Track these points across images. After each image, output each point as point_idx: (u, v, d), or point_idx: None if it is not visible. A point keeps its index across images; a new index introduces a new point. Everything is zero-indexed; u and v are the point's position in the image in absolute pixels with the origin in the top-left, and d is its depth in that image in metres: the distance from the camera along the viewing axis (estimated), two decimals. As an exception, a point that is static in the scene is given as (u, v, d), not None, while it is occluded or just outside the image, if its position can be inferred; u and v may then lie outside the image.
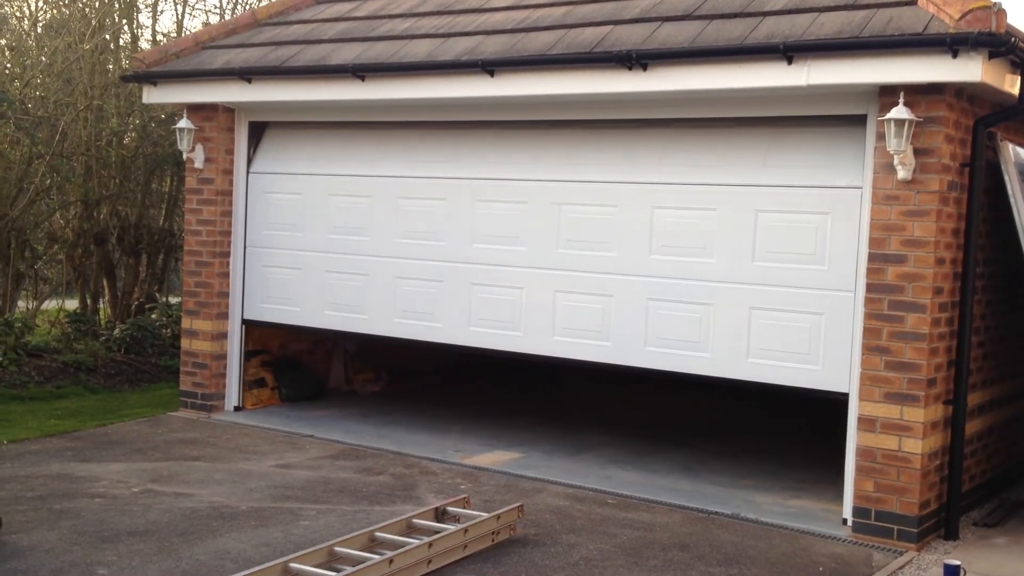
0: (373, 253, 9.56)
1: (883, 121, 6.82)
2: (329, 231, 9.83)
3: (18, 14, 15.16)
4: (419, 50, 8.77)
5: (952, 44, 6.43)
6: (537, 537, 6.82)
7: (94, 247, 14.18)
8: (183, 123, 10.18)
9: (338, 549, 5.96)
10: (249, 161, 10.34)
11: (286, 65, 9.36)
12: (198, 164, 10.30)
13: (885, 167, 6.99)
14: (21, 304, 14.51)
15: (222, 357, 10.39)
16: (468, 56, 8.33)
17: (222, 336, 10.38)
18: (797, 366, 7.47)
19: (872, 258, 7.07)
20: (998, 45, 6.41)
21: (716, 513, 7.58)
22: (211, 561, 6.13)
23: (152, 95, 10.36)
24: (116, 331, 13.05)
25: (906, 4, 7.01)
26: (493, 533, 6.58)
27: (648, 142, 8.21)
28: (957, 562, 6.28)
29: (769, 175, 7.61)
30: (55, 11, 15.32)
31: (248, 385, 10.60)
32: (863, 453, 7.14)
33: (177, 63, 10.21)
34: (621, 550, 6.65)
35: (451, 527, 6.41)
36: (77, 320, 13.47)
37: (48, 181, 13.55)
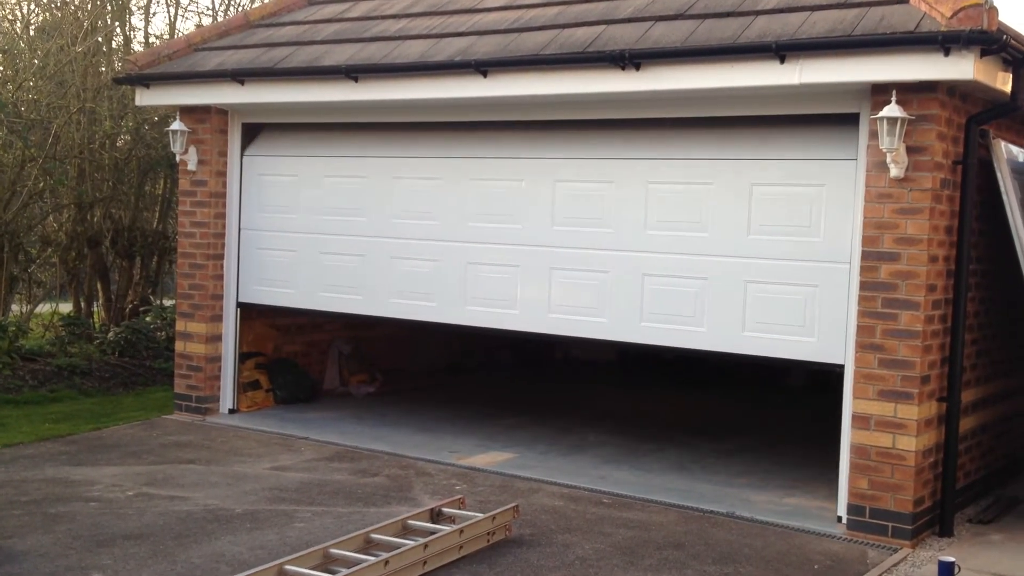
0: (368, 233, 9.55)
1: (876, 119, 6.83)
2: (324, 212, 9.81)
3: (10, 17, 15.14)
4: (412, 51, 8.77)
5: (944, 42, 6.45)
6: (532, 537, 6.82)
7: (88, 250, 14.16)
8: (176, 125, 10.17)
9: (333, 551, 5.96)
10: (243, 149, 10.33)
11: (279, 66, 9.35)
12: (191, 166, 10.28)
13: (878, 165, 6.99)
14: (15, 308, 14.49)
15: (216, 360, 10.38)
16: (461, 57, 8.33)
17: (216, 339, 10.37)
18: (792, 338, 7.47)
19: (865, 256, 7.08)
20: (990, 43, 6.43)
21: (711, 512, 7.59)
22: (206, 564, 6.13)
23: (145, 97, 10.35)
24: (110, 334, 13.03)
25: (898, 2, 7.02)
26: (489, 534, 6.58)
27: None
28: (952, 559, 6.28)
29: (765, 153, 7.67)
30: (47, 14, 15.29)
31: (242, 387, 10.58)
32: (857, 451, 7.15)
33: (170, 65, 10.20)
34: (616, 549, 6.65)
35: (447, 528, 6.41)
36: (71, 323, 13.45)
37: (41, 184, 13.52)
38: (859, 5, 7.14)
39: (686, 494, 8.00)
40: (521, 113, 8.64)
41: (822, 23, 7.07)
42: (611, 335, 8.28)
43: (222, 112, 10.25)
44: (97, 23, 14.03)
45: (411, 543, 6.07)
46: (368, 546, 6.20)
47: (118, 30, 14.90)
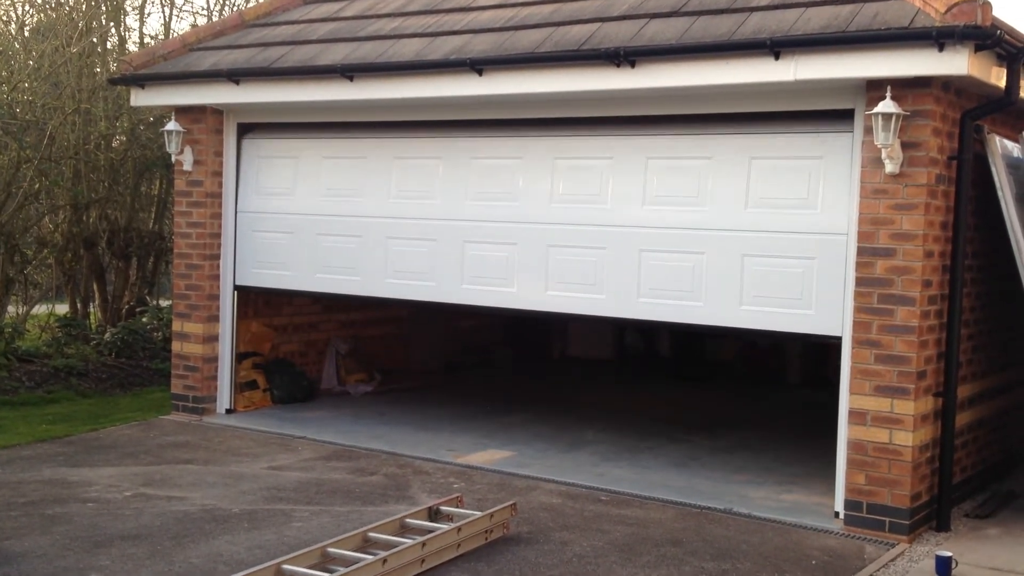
0: (365, 214, 9.54)
1: (870, 115, 6.83)
2: (321, 194, 9.82)
3: (4, 18, 15.11)
4: (407, 50, 8.77)
5: (938, 37, 6.45)
6: (530, 535, 6.82)
7: (84, 251, 14.15)
8: (171, 125, 10.16)
9: (331, 550, 5.96)
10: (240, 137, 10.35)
11: (274, 66, 9.35)
12: (187, 167, 10.28)
13: (873, 161, 7.00)
14: (11, 309, 14.47)
15: (213, 360, 10.38)
16: (456, 55, 8.33)
17: (213, 339, 10.37)
18: (790, 311, 7.47)
19: (861, 252, 7.09)
20: (984, 38, 6.44)
21: (709, 508, 7.60)
22: (204, 564, 6.13)
23: (140, 98, 10.34)
24: (107, 335, 13.02)
25: (892, -2, 7.03)
26: (486, 532, 6.58)
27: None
28: (949, 553, 6.31)
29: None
30: (42, 15, 15.27)
31: (240, 387, 10.58)
32: (854, 446, 7.16)
33: (165, 65, 10.19)
34: (614, 547, 6.65)
35: (444, 526, 6.41)
36: (68, 324, 13.45)
37: (37, 185, 13.51)
38: (853, 1, 7.14)
39: (684, 491, 8.01)
40: (517, 111, 8.64)
41: (817, 19, 7.08)
42: (609, 311, 8.28)
43: (217, 112, 10.24)
44: (92, 24, 14.02)
45: (409, 542, 6.07)
46: (366, 545, 6.20)
47: (113, 31, 14.90)
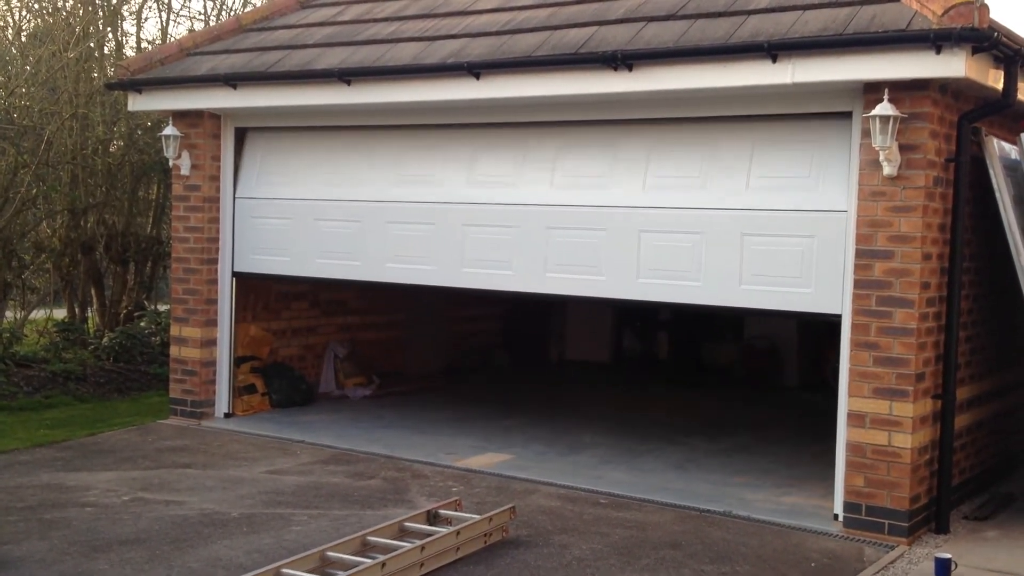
0: (364, 198, 9.55)
1: (868, 118, 6.84)
2: (320, 180, 9.84)
3: (1, 23, 15.11)
4: (405, 54, 8.77)
5: (936, 40, 6.46)
6: (529, 538, 6.82)
7: (81, 256, 14.14)
8: (169, 130, 10.15)
9: (330, 554, 5.96)
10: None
11: (271, 70, 9.35)
12: (184, 171, 10.27)
13: (871, 164, 7.01)
14: (9, 314, 14.46)
15: (211, 364, 10.36)
16: (454, 59, 8.34)
17: (211, 343, 10.36)
18: (789, 290, 7.47)
19: (859, 254, 7.09)
20: (981, 40, 6.44)
21: (708, 511, 7.59)
22: (203, 569, 6.12)
23: (137, 102, 10.34)
24: (105, 340, 13.01)
25: (889, 1, 7.03)
26: (485, 535, 6.58)
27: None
28: (948, 555, 6.30)
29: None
30: (39, 20, 15.26)
31: (238, 391, 10.57)
32: (853, 448, 7.16)
33: (162, 70, 10.19)
34: (613, 549, 6.65)
35: (443, 530, 6.40)
36: (65, 329, 13.43)
37: (34, 190, 13.49)
38: (851, 4, 7.15)
39: (683, 494, 8.00)
40: (514, 115, 8.64)
41: (814, 22, 7.08)
42: (608, 292, 8.28)
43: (215, 117, 10.24)
44: (89, 29, 14.01)
45: (408, 545, 6.07)
46: (365, 548, 6.19)
47: (110, 36, 14.89)
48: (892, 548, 6.89)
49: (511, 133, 8.82)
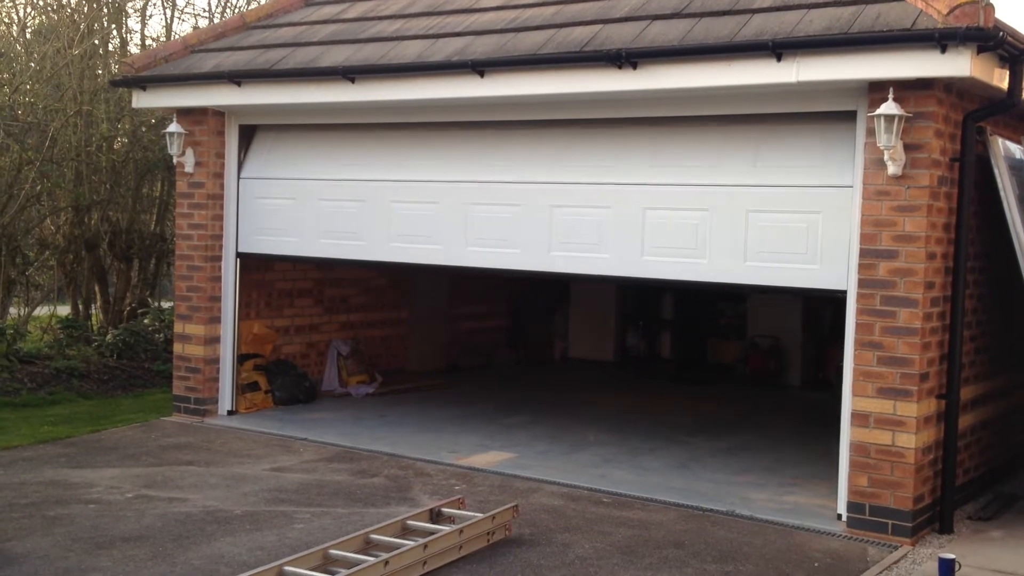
0: (368, 177, 9.55)
1: (873, 117, 6.83)
2: (324, 164, 9.86)
3: (6, 20, 15.11)
4: (409, 51, 8.77)
5: (941, 39, 6.45)
6: (532, 537, 6.81)
7: (85, 253, 14.15)
8: (173, 127, 10.16)
9: (333, 552, 5.96)
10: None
11: (275, 68, 9.35)
12: (188, 168, 10.28)
13: (875, 163, 6.99)
14: (13, 311, 14.48)
15: (215, 361, 10.37)
16: (458, 57, 8.33)
17: (215, 340, 10.36)
18: (795, 266, 7.45)
19: (863, 254, 7.08)
20: (986, 39, 6.43)
21: (711, 510, 7.59)
22: (206, 566, 6.12)
23: (142, 99, 10.34)
24: (108, 337, 13.02)
25: (894, 0, 7.02)
26: (488, 533, 6.58)
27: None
28: (952, 556, 6.29)
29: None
30: (44, 17, 15.27)
31: (241, 389, 10.58)
32: (857, 448, 7.15)
33: (166, 67, 10.20)
34: (616, 549, 6.65)
35: (446, 528, 6.40)
36: (69, 326, 13.44)
37: (38, 187, 13.50)
38: (855, 3, 7.13)
39: (686, 493, 8.00)
40: (519, 113, 8.64)
41: (819, 21, 7.07)
42: (613, 271, 8.27)
43: (219, 114, 10.24)
44: (93, 26, 14.02)
45: (411, 543, 6.06)
46: (368, 547, 6.19)
47: (114, 33, 14.89)
48: (896, 548, 6.88)
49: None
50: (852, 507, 7.20)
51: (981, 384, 8.13)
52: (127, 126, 14.18)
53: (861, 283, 7.10)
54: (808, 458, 9.17)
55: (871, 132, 6.93)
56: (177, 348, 10.51)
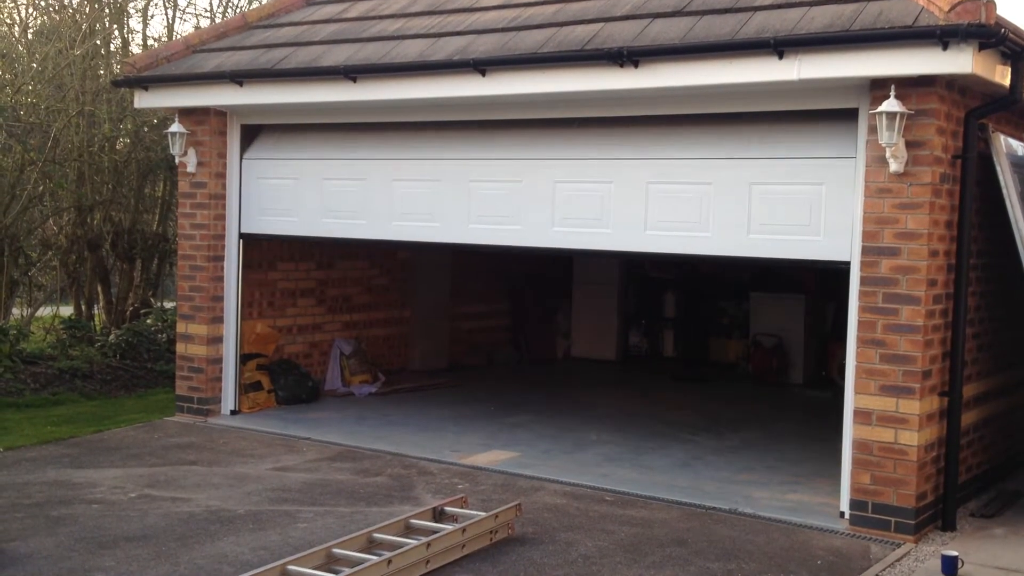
0: (369, 156, 9.54)
1: (875, 114, 6.82)
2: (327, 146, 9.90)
3: (8, 21, 15.13)
4: (410, 50, 8.77)
5: (942, 36, 6.44)
6: (535, 535, 6.82)
7: (88, 253, 14.17)
8: (175, 127, 10.16)
9: (336, 551, 5.96)
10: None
11: (277, 67, 9.35)
12: (191, 168, 10.28)
13: (877, 160, 6.99)
14: (16, 311, 14.49)
15: (218, 361, 10.38)
16: (459, 56, 8.33)
17: (217, 340, 10.37)
18: (798, 238, 7.45)
19: (866, 251, 7.08)
20: (988, 36, 6.42)
21: (714, 508, 7.58)
22: (209, 565, 6.13)
23: (144, 100, 10.35)
24: (111, 337, 13.03)
25: (895, -3, 7.02)
26: (491, 532, 6.58)
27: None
28: (955, 553, 6.30)
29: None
30: (45, 17, 15.30)
31: (244, 388, 10.59)
32: (859, 446, 7.15)
33: (168, 67, 10.20)
34: (619, 547, 6.65)
35: (449, 527, 6.40)
36: (72, 326, 13.45)
37: (41, 187, 13.52)
38: (857, 0, 7.13)
39: (688, 491, 8.00)
40: (520, 111, 8.64)
41: (820, 18, 7.07)
42: (615, 245, 8.27)
43: (221, 114, 10.25)
44: (95, 26, 14.03)
45: (414, 542, 6.07)
46: (371, 546, 6.20)
47: (116, 33, 14.90)
48: (898, 546, 6.88)
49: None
50: (855, 505, 7.20)
51: (983, 381, 8.12)
52: (129, 126, 14.19)
53: (863, 280, 7.09)
54: (811, 456, 9.17)
55: (873, 130, 6.93)
56: (180, 348, 10.51)
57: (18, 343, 12.13)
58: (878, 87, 6.90)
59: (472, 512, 6.72)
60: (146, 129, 14.19)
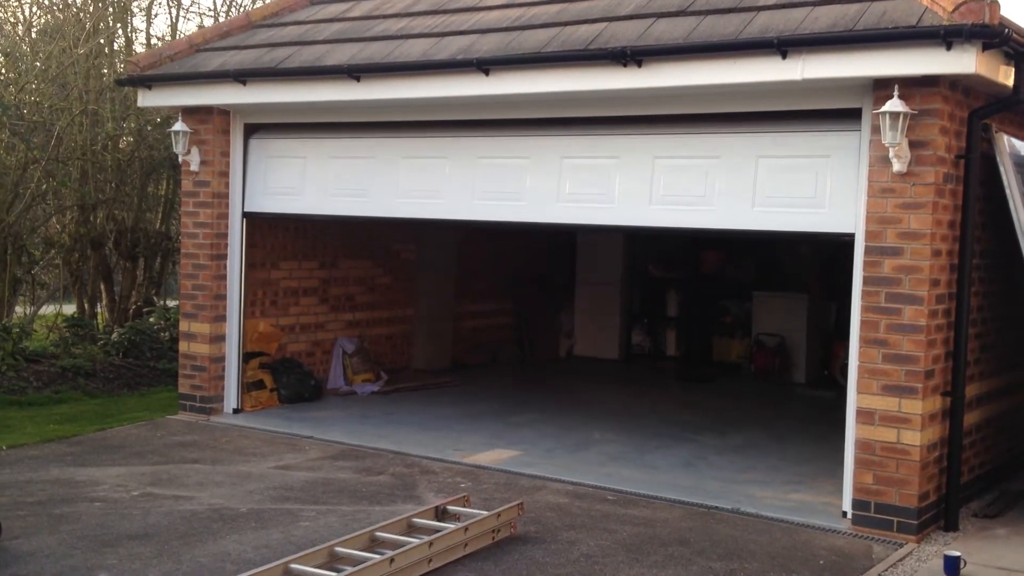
0: (374, 133, 9.54)
1: (878, 114, 6.82)
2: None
3: (12, 19, 15.16)
4: (414, 50, 8.77)
5: (946, 36, 6.44)
6: (538, 534, 6.82)
7: (91, 251, 14.18)
8: (178, 126, 10.17)
9: (338, 549, 5.97)
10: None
11: (281, 67, 9.36)
12: (194, 167, 10.29)
13: (880, 160, 6.99)
14: (19, 309, 14.51)
15: (220, 360, 10.39)
16: (463, 55, 8.33)
17: (220, 339, 10.37)
18: (803, 211, 7.44)
19: (868, 251, 7.08)
20: (992, 37, 6.42)
21: (716, 508, 7.59)
22: (211, 564, 6.13)
23: (147, 98, 10.36)
24: (114, 335, 13.05)
25: (899, -3, 7.02)
26: (494, 531, 6.58)
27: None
28: (957, 553, 6.30)
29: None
30: (49, 16, 15.31)
31: (247, 387, 10.59)
32: (862, 446, 7.15)
33: (171, 66, 10.21)
34: (621, 546, 6.65)
35: (451, 526, 6.41)
36: (75, 325, 13.47)
37: (44, 186, 13.54)
38: (861, 0, 7.13)
39: (691, 490, 8.00)
40: (524, 111, 8.64)
41: (824, 18, 7.07)
42: (620, 220, 8.28)
43: (224, 113, 10.25)
44: (99, 25, 14.04)
45: (416, 541, 6.07)
46: (373, 544, 6.20)
47: (120, 32, 14.91)
48: (901, 546, 6.88)
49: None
50: (857, 504, 7.19)
51: (986, 381, 8.12)
52: (132, 125, 14.20)
53: (866, 280, 7.09)
54: (813, 456, 9.17)
55: (876, 129, 6.93)
56: (182, 346, 10.52)
57: (21, 341, 12.14)
58: (882, 87, 6.90)
59: (474, 511, 6.73)
60: (149, 128, 14.20)
